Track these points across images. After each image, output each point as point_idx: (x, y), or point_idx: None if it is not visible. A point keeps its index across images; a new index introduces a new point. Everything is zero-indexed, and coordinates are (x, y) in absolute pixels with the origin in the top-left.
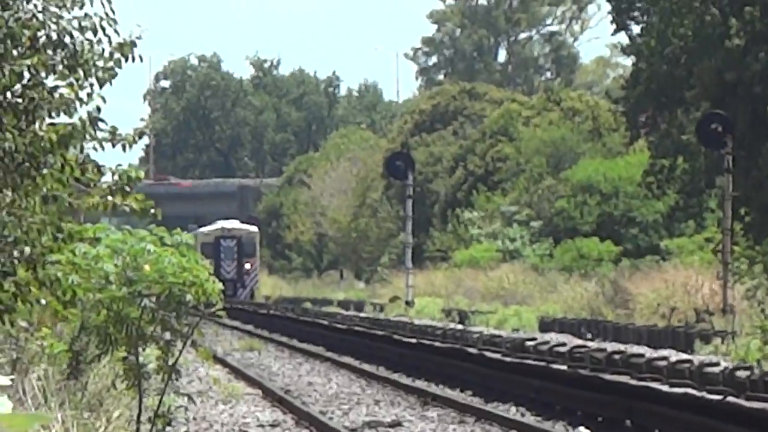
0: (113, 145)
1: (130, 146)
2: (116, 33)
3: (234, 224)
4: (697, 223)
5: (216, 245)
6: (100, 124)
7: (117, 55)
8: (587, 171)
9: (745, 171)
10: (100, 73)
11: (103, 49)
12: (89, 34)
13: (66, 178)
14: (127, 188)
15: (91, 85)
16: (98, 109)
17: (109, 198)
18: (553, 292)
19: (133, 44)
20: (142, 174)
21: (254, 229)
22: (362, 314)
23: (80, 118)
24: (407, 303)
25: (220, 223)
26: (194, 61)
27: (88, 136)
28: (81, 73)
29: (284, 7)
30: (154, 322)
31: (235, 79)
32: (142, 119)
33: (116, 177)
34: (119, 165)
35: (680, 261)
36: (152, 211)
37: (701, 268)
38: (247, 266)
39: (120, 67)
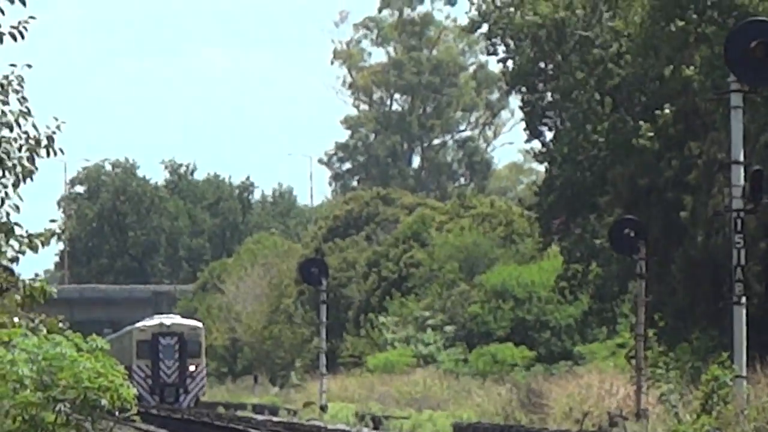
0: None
1: (44, 246)
2: (34, 128)
3: (175, 319)
4: (609, 329)
5: (154, 343)
6: (17, 229)
7: (32, 152)
8: (501, 276)
9: (658, 276)
10: (18, 169)
11: (21, 145)
12: (5, 131)
13: None
14: (40, 301)
15: (5, 187)
16: (17, 208)
17: (16, 319)
18: (467, 397)
19: (51, 140)
20: (54, 291)
21: (199, 324)
22: (276, 419)
23: None
24: (321, 408)
25: (159, 318)
26: (109, 167)
27: (3, 246)
28: None
29: (200, 112)
30: (68, 426)
31: (150, 184)
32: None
33: (27, 292)
34: (32, 279)
35: (593, 366)
36: (60, 324)
37: (615, 372)
38: (192, 368)
39: (36, 159)
